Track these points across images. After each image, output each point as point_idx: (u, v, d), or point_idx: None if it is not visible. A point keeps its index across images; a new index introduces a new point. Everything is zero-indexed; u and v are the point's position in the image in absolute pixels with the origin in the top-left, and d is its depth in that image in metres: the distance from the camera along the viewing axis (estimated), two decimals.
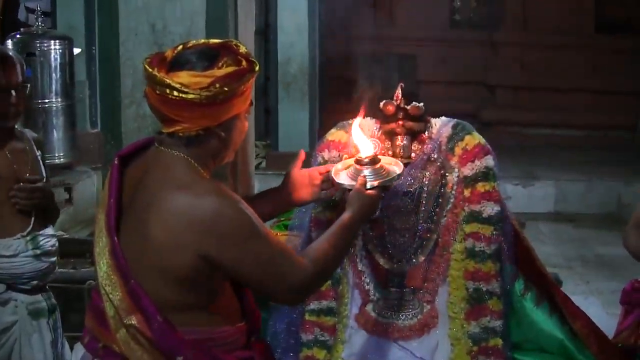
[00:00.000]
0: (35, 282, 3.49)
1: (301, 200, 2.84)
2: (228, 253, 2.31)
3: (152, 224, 2.30)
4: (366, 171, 2.70)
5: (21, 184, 3.43)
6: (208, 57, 2.35)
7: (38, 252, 3.46)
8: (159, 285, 2.32)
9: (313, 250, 2.51)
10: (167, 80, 2.28)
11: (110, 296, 2.35)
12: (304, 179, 2.81)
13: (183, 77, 2.29)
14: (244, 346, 2.52)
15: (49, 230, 3.58)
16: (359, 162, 2.73)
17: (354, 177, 2.71)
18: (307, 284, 2.46)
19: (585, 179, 9.63)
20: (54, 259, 3.58)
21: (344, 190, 2.76)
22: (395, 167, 2.76)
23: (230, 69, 2.33)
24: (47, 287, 3.62)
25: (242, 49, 2.39)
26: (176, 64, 2.34)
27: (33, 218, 3.48)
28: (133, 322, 2.32)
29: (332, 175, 2.77)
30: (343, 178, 2.75)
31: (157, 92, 2.31)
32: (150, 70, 2.31)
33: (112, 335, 2.36)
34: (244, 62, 2.37)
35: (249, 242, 2.32)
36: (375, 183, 2.67)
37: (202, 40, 2.46)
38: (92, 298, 2.47)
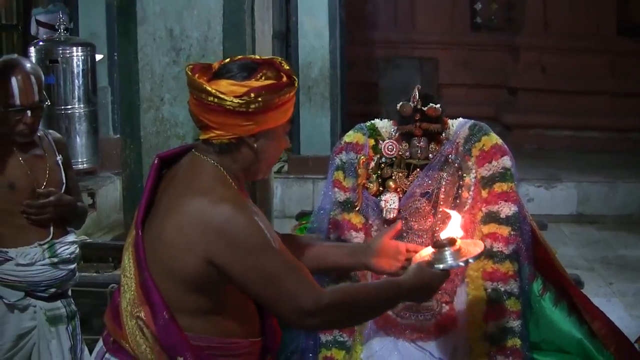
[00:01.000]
0: (53, 290, 3.48)
1: (379, 267, 2.79)
2: (234, 261, 2.31)
3: (168, 224, 2.34)
4: (446, 253, 2.58)
5: (33, 199, 3.38)
6: (248, 69, 2.40)
7: (55, 260, 3.45)
8: (167, 284, 2.35)
9: (343, 285, 2.51)
10: (205, 86, 2.34)
11: (127, 287, 2.41)
12: (391, 250, 2.78)
13: (221, 85, 2.35)
14: None
15: (70, 237, 3.56)
16: (435, 244, 2.63)
17: None
18: (318, 311, 2.37)
19: (607, 181, 9.57)
20: (72, 266, 3.55)
21: None
22: (476, 248, 2.62)
23: (268, 82, 2.38)
24: (67, 293, 3.60)
25: (285, 66, 2.44)
26: (218, 74, 2.40)
27: (52, 227, 3.46)
28: (141, 314, 2.36)
29: (413, 261, 2.69)
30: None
31: (195, 97, 2.38)
32: (190, 74, 2.37)
33: (122, 332, 2.41)
34: (284, 78, 2.41)
35: (257, 253, 2.32)
36: (441, 266, 2.56)
37: (250, 56, 2.54)
38: (114, 297, 2.53)
